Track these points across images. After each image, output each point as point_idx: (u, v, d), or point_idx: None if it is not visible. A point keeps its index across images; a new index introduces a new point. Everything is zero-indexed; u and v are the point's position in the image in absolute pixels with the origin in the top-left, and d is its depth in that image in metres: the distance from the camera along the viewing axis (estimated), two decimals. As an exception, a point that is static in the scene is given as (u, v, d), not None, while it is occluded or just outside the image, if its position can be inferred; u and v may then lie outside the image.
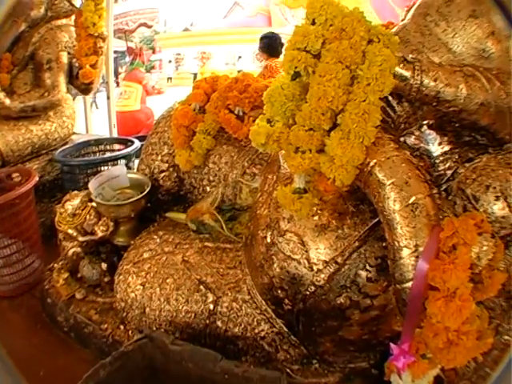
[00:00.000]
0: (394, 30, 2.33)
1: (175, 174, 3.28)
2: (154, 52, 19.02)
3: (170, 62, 14.76)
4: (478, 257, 1.67)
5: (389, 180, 1.79)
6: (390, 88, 1.82)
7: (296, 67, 1.86)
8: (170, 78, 15.91)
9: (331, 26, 1.88)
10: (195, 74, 13.61)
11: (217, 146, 3.09)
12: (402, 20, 2.40)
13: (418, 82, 1.93)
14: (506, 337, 2.09)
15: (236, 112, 2.95)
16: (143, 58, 11.89)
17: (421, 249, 1.70)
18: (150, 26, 13.66)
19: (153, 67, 18.40)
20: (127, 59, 13.49)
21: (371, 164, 1.83)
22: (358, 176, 1.87)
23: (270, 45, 7.20)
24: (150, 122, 8.65)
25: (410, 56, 1.99)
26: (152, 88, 11.73)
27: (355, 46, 1.81)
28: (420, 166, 1.94)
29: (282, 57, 7.10)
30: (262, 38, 7.39)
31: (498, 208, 2.00)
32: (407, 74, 1.93)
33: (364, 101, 1.79)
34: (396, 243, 1.75)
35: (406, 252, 1.72)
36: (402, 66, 1.93)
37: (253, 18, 15.43)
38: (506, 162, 2.10)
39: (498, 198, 2.00)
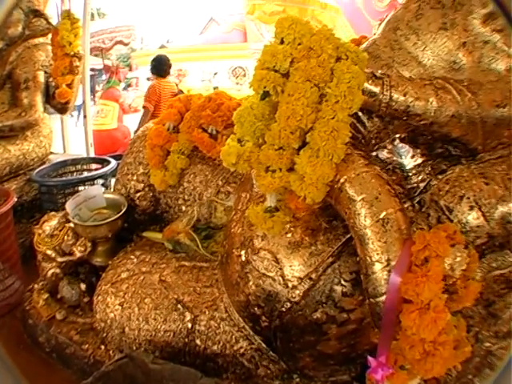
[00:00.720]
0: (364, 45, 2.33)
1: (151, 194, 3.28)
2: (130, 69, 18.89)
3: (148, 79, 14.72)
4: (451, 268, 1.69)
5: (359, 196, 1.81)
6: (358, 105, 1.84)
7: (265, 87, 1.87)
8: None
9: (299, 44, 1.89)
10: (171, 92, 13.71)
11: (191, 166, 3.11)
12: (374, 34, 2.42)
13: (388, 97, 1.94)
14: (487, 343, 2.10)
15: (209, 131, 2.96)
16: (120, 76, 11.83)
17: (393, 263, 1.72)
18: (126, 44, 13.63)
19: (129, 85, 18.30)
20: (104, 77, 13.48)
21: (341, 181, 1.85)
22: (329, 193, 1.88)
23: (158, 66, 7.67)
24: (126, 141, 8.58)
25: (379, 71, 1.99)
26: (128, 106, 11.70)
27: (323, 64, 1.83)
28: (391, 181, 1.94)
29: (168, 78, 7.76)
30: (152, 61, 7.87)
31: (473, 218, 2.03)
32: (376, 89, 1.93)
33: (333, 118, 1.81)
34: (368, 258, 1.77)
35: (378, 266, 1.74)
36: (370, 82, 1.93)
37: (228, 33, 15.41)
38: (480, 171, 2.12)
39: (472, 208, 2.03)
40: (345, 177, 1.84)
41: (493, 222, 2.02)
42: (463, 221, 2.04)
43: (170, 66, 7.97)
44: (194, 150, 3.09)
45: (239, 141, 1.99)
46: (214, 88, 11.97)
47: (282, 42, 1.93)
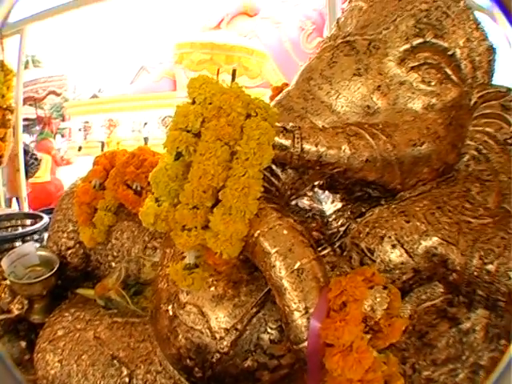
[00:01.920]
0: (278, 97, 2.33)
1: (82, 251, 3.30)
2: (63, 120, 18.65)
3: (79, 130, 14.52)
4: (372, 309, 1.72)
5: (273, 249, 1.83)
6: (268, 160, 1.88)
7: (178, 147, 1.90)
8: (80, 148, 15.57)
9: (210, 104, 1.93)
10: (102, 143, 13.47)
11: (118, 222, 3.14)
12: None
13: (299, 150, 1.94)
14: (426, 372, 2.14)
15: (134, 187, 2.99)
16: (52, 127, 11.78)
17: (311, 310, 1.75)
18: (58, 94, 13.45)
19: (62, 136, 18.11)
20: (38, 128, 13.34)
21: (255, 235, 1.87)
22: (245, 247, 1.91)
23: None
24: (59, 194, 8.56)
25: (291, 124, 1.99)
26: (61, 159, 11.59)
27: (233, 123, 1.87)
28: (305, 231, 1.97)
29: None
30: None
31: (396, 255, 2.06)
32: (287, 143, 1.93)
33: (243, 175, 1.84)
34: (286, 308, 1.80)
35: (297, 315, 1.77)
36: (281, 135, 1.93)
37: (158, 82, 15.28)
38: (400, 210, 2.15)
39: (394, 247, 2.06)
40: (258, 231, 1.87)
41: (417, 257, 2.04)
42: (386, 260, 2.07)
43: None
44: (121, 206, 3.12)
45: (156, 200, 2.01)
46: (145, 138, 11.91)
47: (193, 102, 1.97)
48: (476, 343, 2.13)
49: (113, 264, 3.17)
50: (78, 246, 3.29)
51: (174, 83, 15.22)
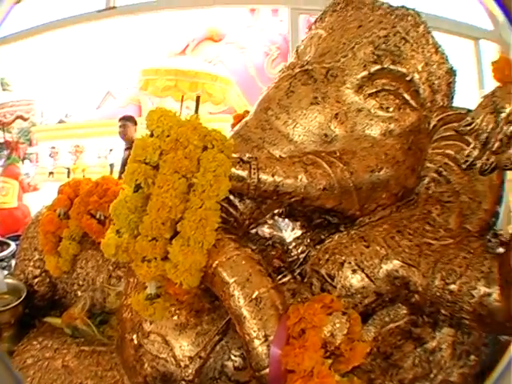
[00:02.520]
0: (236, 127, 2.35)
1: (48, 279, 3.29)
2: (30, 144, 18.52)
3: (49, 156, 14.45)
4: (331, 334, 1.76)
5: (231, 279, 1.87)
6: (225, 191, 1.91)
7: (137, 180, 1.93)
8: (50, 173, 15.43)
9: (168, 136, 1.96)
10: (69, 170, 13.38)
11: (83, 251, 3.14)
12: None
13: (255, 180, 1.96)
14: None
15: (97, 216, 3.00)
16: (19, 152, 11.68)
17: (271, 338, 1.79)
18: (26, 119, 13.25)
19: (30, 161, 17.97)
20: (6, 152, 13.21)
21: (214, 265, 1.90)
22: (205, 278, 1.94)
23: None
24: (27, 221, 8.48)
25: (248, 155, 2.02)
26: (28, 185, 11.49)
27: (190, 155, 1.91)
28: (262, 261, 2.01)
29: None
30: None
31: (357, 280, 2.08)
32: (243, 173, 1.95)
33: (200, 207, 1.88)
34: (247, 336, 1.83)
35: (257, 343, 1.80)
36: (238, 166, 1.96)
37: (124, 108, 15.20)
38: (360, 236, 2.18)
39: (354, 272, 2.08)
40: (217, 261, 1.90)
41: (378, 280, 2.07)
42: (347, 285, 2.09)
43: None
44: (85, 235, 3.13)
45: (117, 232, 2.03)
46: (110, 165, 11.89)
47: (152, 135, 2.00)
48: (443, 361, 2.16)
49: (79, 293, 3.16)
50: (44, 274, 3.29)
51: (140, 109, 15.28)
